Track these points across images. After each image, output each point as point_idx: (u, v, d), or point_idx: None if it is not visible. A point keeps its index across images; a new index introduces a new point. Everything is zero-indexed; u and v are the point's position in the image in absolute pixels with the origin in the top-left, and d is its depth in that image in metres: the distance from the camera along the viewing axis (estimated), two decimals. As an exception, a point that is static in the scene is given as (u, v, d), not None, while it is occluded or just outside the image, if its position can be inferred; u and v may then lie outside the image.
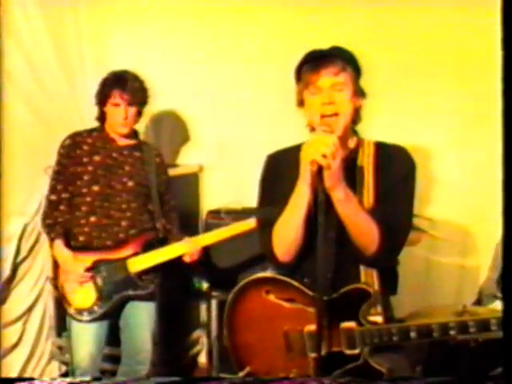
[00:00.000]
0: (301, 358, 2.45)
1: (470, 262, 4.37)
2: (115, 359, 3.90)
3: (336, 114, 2.42)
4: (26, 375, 4.37)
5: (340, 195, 2.33)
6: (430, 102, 4.33)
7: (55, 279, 3.61)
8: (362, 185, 2.49)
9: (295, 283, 2.47)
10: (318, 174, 2.27)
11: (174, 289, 4.43)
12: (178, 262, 3.65)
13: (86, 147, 3.59)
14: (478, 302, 3.96)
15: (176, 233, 3.70)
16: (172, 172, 4.43)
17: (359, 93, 2.51)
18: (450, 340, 3.57)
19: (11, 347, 4.27)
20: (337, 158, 2.26)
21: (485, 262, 4.28)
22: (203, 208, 4.70)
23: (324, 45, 4.25)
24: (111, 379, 3.73)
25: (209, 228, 4.33)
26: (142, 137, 4.52)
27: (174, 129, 4.78)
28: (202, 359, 4.81)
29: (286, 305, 2.47)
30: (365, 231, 2.40)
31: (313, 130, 2.45)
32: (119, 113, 3.56)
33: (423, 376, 3.69)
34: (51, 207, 3.60)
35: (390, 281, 2.56)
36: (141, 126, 4.55)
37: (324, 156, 2.24)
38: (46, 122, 4.20)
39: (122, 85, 3.56)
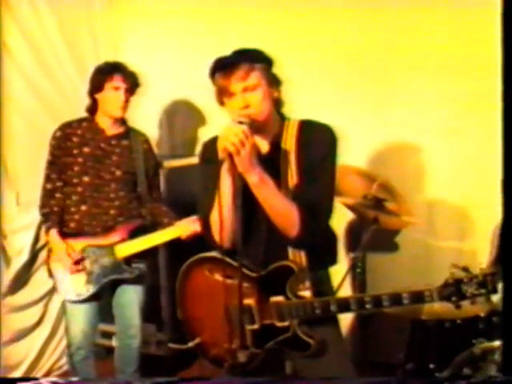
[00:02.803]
0: (240, 329, 2.59)
1: (467, 246, 4.41)
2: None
3: (251, 114, 2.55)
4: (48, 353, 4.67)
5: (254, 179, 2.48)
6: (431, 91, 4.39)
7: (48, 263, 3.86)
8: (286, 166, 2.62)
9: (231, 261, 2.62)
10: (232, 160, 2.43)
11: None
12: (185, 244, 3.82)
13: (75, 139, 3.81)
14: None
15: (172, 214, 3.89)
16: (183, 162, 4.69)
17: (274, 83, 2.65)
18: (427, 322, 3.71)
19: (32, 326, 4.55)
20: (246, 144, 2.40)
21: (482, 245, 4.33)
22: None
23: (314, 35, 4.45)
24: (110, 379, 4.00)
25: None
26: (155, 128, 4.80)
27: (187, 120, 4.96)
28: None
29: (226, 281, 2.63)
30: (283, 214, 2.54)
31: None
32: (118, 96, 3.74)
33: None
34: (47, 195, 3.85)
35: (320, 257, 2.68)
36: (155, 118, 4.85)
37: (232, 144, 2.39)
38: (54, 110, 4.44)
39: (123, 70, 3.76)
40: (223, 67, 2.58)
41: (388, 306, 2.47)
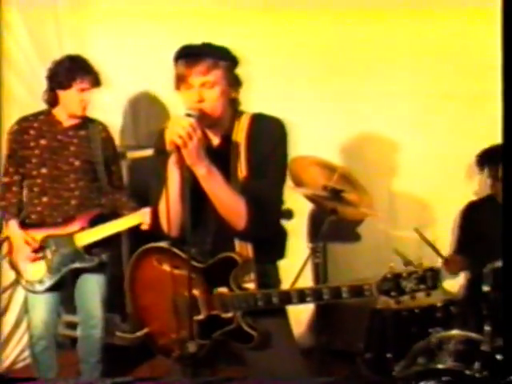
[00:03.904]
0: (187, 320, 2.58)
1: (428, 236, 4.42)
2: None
3: (204, 109, 2.55)
4: (12, 344, 4.67)
5: (202, 171, 2.48)
6: (395, 85, 4.42)
7: (9, 254, 3.86)
8: (236, 159, 2.62)
9: (179, 252, 2.64)
10: (179, 153, 2.44)
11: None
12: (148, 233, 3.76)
13: (32, 132, 3.81)
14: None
15: (131, 205, 3.91)
16: (145, 153, 4.68)
17: (234, 84, 2.65)
18: (385, 311, 3.73)
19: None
20: (193, 137, 2.41)
21: (444, 235, 4.36)
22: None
23: (282, 28, 4.46)
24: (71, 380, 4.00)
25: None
26: (119, 118, 4.80)
27: (150, 110, 4.95)
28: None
29: (173, 272, 2.62)
30: (230, 207, 2.55)
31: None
32: (83, 98, 3.76)
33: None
34: (4, 189, 3.86)
35: (268, 250, 2.68)
36: (119, 109, 4.85)
37: (180, 136, 2.39)
38: (19, 104, 4.43)
39: (88, 71, 3.76)
40: (187, 56, 2.57)
41: (328, 300, 2.46)
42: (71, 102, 3.76)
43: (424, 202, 4.41)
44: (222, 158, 2.59)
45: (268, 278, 2.70)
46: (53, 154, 3.80)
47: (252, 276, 2.62)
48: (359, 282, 2.43)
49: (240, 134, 2.64)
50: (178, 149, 2.43)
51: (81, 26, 4.88)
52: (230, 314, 2.60)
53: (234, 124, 2.66)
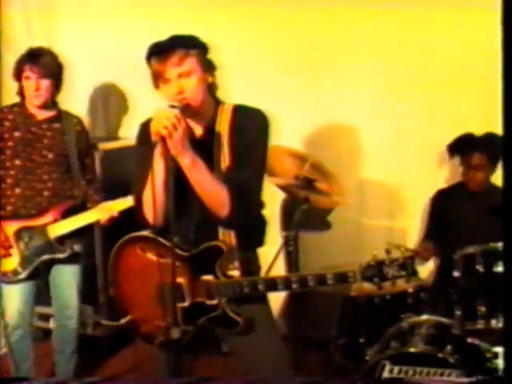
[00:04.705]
0: (171, 307, 2.61)
1: (398, 224, 4.53)
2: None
3: (185, 99, 2.60)
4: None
5: (186, 162, 2.54)
6: (364, 74, 4.49)
7: None
8: (219, 150, 2.68)
9: (163, 241, 2.67)
10: (165, 143, 2.49)
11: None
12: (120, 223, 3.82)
13: (7, 123, 3.83)
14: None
15: (95, 198, 3.96)
16: (118, 144, 4.71)
17: (209, 68, 2.70)
18: (357, 298, 3.82)
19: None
20: (178, 128, 2.47)
21: (413, 223, 4.46)
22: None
23: (250, 19, 4.50)
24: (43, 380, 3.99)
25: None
26: (89, 109, 4.81)
27: (121, 101, 4.97)
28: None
29: (157, 260, 2.65)
30: (214, 195, 2.61)
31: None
32: (31, 85, 3.78)
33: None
34: None
35: (249, 238, 2.75)
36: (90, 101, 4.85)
37: (165, 127, 2.45)
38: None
39: (33, 59, 3.77)
40: (159, 52, 2.61)
41: (313, 286, 2.54)
42: (26, 91, 3.80)
43: (393, 189, 4.49)
44: (205, 148, 2.65)
45: (250, 264, 2.77)
46: (27, 146, 3.81)
47: (236, 264, 2.68)
48: (343, 269, 2.52)
49: (223, 124, 2.69)
50: (163, 139, 2.48)
51: (50, 13, 4.89)
52: (214, 301, 2.65)
53: (217, 115, 2.72)
